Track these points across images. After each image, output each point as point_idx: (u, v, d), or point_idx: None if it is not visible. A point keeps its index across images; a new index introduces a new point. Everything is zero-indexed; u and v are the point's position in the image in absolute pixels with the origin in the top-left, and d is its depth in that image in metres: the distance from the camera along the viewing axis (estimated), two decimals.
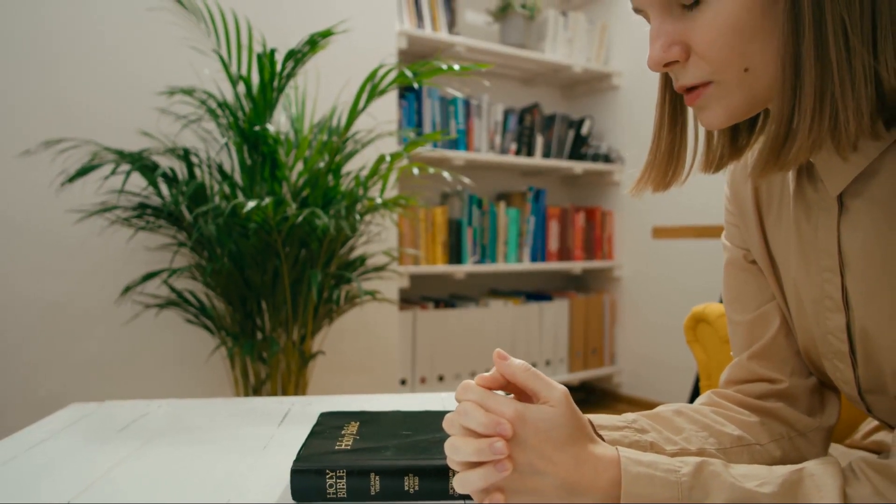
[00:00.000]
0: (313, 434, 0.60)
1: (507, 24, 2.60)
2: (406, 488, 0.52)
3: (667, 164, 0.55)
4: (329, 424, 0.63)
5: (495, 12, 2.62)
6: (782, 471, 0.45)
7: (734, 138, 0.56)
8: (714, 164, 0.56)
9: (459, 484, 0.45)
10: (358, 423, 0.63)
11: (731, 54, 0.45)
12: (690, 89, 0.49)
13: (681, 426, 0.59)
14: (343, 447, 0.56)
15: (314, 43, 1.28)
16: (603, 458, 0.46)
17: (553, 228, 2.76)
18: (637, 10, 0.50)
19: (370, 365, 1.96)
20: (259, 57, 1.29)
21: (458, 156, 2.39)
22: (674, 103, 0.55)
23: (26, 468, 0.61)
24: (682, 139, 0.55)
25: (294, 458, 0.54)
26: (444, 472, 0.52)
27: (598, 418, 0.56)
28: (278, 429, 0.73)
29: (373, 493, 0.52)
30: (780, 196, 0.59)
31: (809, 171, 0.54)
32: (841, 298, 0.53)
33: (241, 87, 1.40)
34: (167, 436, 0.71)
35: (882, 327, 0.49)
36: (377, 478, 0.52)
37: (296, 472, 0.52)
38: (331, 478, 0.52)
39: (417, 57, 2.48)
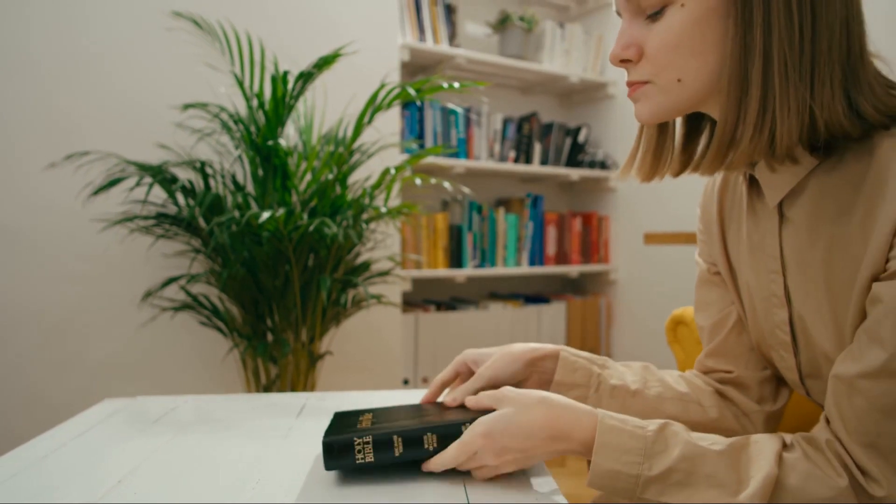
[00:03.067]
0: (335, 419, 0.68)
1: (505, 36, 2.67)
2: (426, 446, 0.59)
3: (653, 154, 0.63)
4: (346, 416, 0.71)
5: (494, 25, 2.70)
6: (732, 437, 0.55)
7: (686, 148, 0.64)
8: (679, 168, 0.63)
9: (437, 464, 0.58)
10: (371, 414, 0.71)
11: (670, 64, 0.54)
12: (632, 85, 0.57)
13: (639, 372, 0.72)
14: (364, 427, 0.63)
15: (321, 66, 1.37)
16: (581, 408, 0.57)
17: (551, 233, 2.83)
18: (619, 14, 0.58)
19: (374, 365, 2.04)
20: (273, 78, 1.37)
21: (459, 164, 2.46)
22: None
23: (73, 456, 0.68)
24: (667, 136, 0.63)
25: (317, 441, 0.61)
26: (459, 432, 0.59)
27: (560, 372, 0.71)
28: (297, 420, 0.81)
29: (396, 454, 0.58)
30: (739, 212, 0.67)
31: (758, 186, 0.62)
32: (784, 295, 0.61)
33: (254, 102, 1.48)
34: (197, 426, 0.78)
35: (815, 319, 0.58)
36: (399, 440, 0.58)
37: (327, 444, 0.59)
38: (358, 444, 0.58)
39: (419, 68, 2.55)
